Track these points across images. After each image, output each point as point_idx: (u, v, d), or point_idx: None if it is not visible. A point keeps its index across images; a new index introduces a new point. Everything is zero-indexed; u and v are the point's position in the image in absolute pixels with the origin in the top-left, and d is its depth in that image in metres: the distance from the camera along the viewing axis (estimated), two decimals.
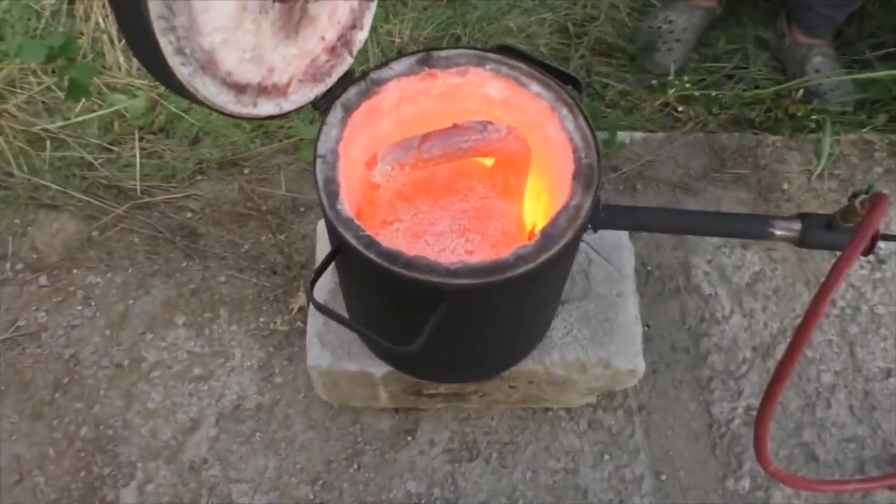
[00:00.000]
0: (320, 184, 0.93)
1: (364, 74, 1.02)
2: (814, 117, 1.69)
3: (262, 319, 1.53)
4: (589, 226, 0.96)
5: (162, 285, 1.55)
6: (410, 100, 1.07)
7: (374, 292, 0.98)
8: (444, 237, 1.06)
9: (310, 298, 0.90)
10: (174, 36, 0.71)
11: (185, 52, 0.73)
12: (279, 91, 0.90)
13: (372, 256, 0.87)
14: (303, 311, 1.54)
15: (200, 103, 0.80)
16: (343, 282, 1.07)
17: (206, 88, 0.79)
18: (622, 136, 1.76)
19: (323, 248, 1.36)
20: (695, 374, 1.48)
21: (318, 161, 0.95)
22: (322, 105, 0.99)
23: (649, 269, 1.58)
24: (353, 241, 0.89)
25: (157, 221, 1.61)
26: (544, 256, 0.89)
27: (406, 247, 1.04)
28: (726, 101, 1.74)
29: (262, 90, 0.87)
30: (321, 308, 0.90)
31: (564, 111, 1.00)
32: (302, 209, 1.68)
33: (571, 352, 1.25)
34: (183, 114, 1.71)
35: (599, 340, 1.26)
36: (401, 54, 1.03)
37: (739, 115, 1.74)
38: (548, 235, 0.90)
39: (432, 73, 1.04)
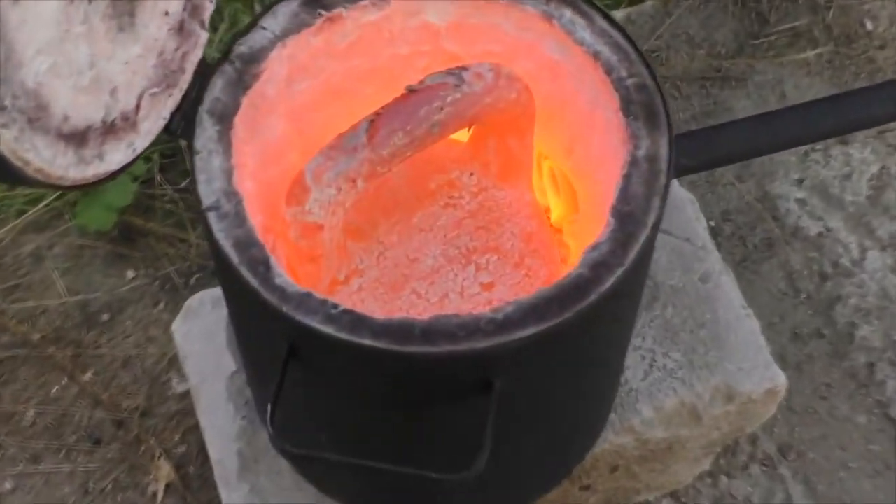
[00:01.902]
0: (231, 255, 0.99)
1: (227, 53, 1.09)
2: None
3: None
4: None
5: None
6: (306, 71, 1.15)
7: (373, 406, 1.05)
8: (440, 275, 1.14)
9: (279, 447, 0.96)
10: None
11: (3, 104, 0.78)
12: (129, 122, 0.96)
13: (366, 342, 0.95)
14: (175, 488, 1.57)
15: (27, 183, 0.85)
16: (302, 411, 1.13)
17: (40, 154, 0.84)
18: None
19: (201, 362, 1.41)
20: (845, 367, 1.64)
21: (212, 217, 1.01)
22: (179, 125, 1.05)
23: (713, 224, 1.73)
24: (325, 329, 0.95)
25: None
26: (633, 250, 1.00)
27: (385, 310, 1.12)
28: None
29: (109, 130, 0.93)
30: (303, 459, 0.96)
31: (567, 14, 1.11)
32: (103, 316, 1.71)
33: (668, 394, 1.37)
34: None
35: (703, 360, 1.39)
36: (274, 1, 1.11)
37: None
38: (626, 216, 1.01)
39: (333, 17, 1.12)
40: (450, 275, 1.14)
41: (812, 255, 1.71)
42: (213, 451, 1.37)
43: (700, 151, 1.14)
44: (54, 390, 1.66)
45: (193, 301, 1.45)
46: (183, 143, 1.46)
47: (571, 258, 1.24)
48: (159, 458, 1.59)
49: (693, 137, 1.17)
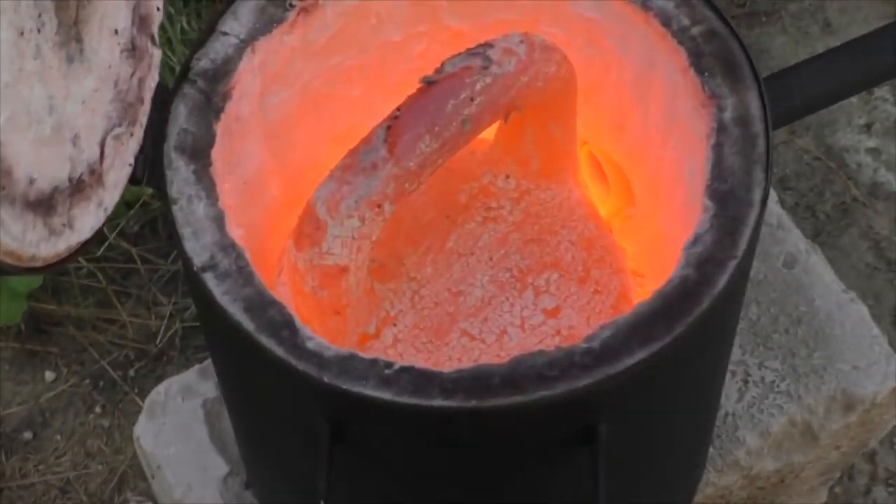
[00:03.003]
0: (243, 322, 0.99)
1: (185, 73, 1.09)
2: None
3: None
4: None
5: None
6: (280, 79, 1.15)
7: (452, 476, 1.05)
8: (493, 307, 1.15)
9: None
10: None
11: None
12: (95, 175, 0.96)
13: (438, 403, 0.95)
14: None
15: None
16: (357, 497, 1.12)
17: (8, 231, 0.84)
18: None
19: (182, 468, 1.40)
20: None
21: (209, 279, 1.01)
22: (144, 171, 1.05)
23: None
24: (383, 396, 0.95)
25: None
26: (744, 237, 1.01)
27: (432, 361, 1.12)
28: None
29: (76, 189, 0.94)
30: None
31: None
32: (25, 435, 1.70)
33: (773, 414, 1.39)
34: None
35: (809, 364, 1.41)
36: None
37: None
38: (726, 195, 1.02)
39: (308, 6, 1.13)
40: (504, 305, 1.15)
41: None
42: None
43: (775, 104, 1.15)
44: None
45: (157, 395, 1.44)
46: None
47: (631, 264, 1.25)
48: None
49: (779, 79, 1.17)
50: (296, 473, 1.15)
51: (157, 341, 1.74)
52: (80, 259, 1.74)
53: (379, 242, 1.11)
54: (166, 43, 1.77)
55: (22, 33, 0.86)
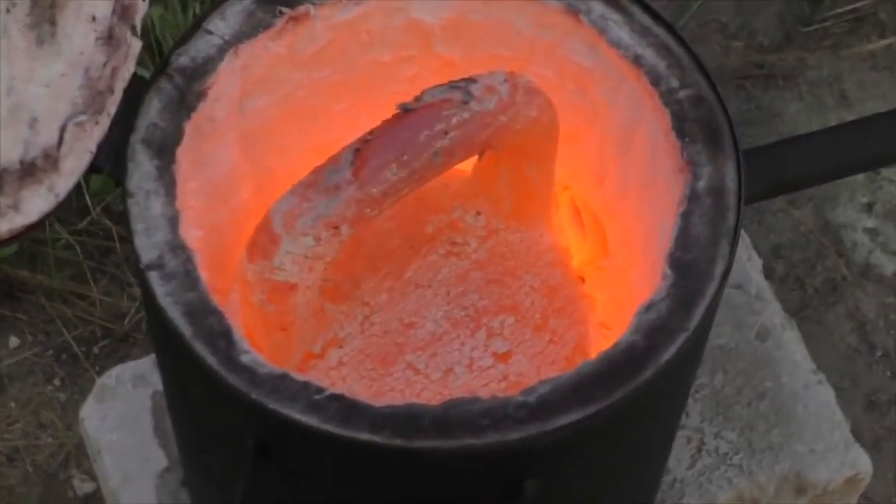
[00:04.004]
0: (181, 326, 0.98)
1: (164, 66, 1.09)
2: None
3: None
4: None
5: None
6: (262, 85, 1.14)
7: None
8: (443, 343, 1.13)
9: None
10: None
11: None
12: (50, 161, 0.95)
13: (363, 437, 0.94)
14: None
15: None
16: None
17: None
18: None
19: (122, 457, 1.39)
20: None
21: (154, 278, 1.00)
22: (107, 161, 1.05)
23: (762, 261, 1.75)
24: (308, 421, 0.94)
25: None
26: (699, 309, 1.00)
27: (373, 389, 1.11)
28: None
29: (27, 172, 0.93)
30: None
31: (598, 7, 1.12)
32: None
33: (722, 486, 1.37)
34: None
35: (766, 441, 1.39)
36: None
37: None
38: (687, 266, 1.01)
39: (298, 15, 1.12)
40: (455, 343, 1.14)
41: (889, 301, 1.72)
42: None
43: (765, 175, 1.14)
44: None
45: (108, 378, 1.44)
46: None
47: (597, 315, 1.24)
48: None
49: (756, 157, 1.17)
50: (221, 482, 1.14)
51: (126, 322, 1.74)
52: (59, 230, 1.74)
53: (337, 263, 1.10)
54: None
55: None
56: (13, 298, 1.74)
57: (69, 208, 1.74)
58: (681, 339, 0.98)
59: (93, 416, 1.42)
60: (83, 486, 1.61)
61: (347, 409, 0.95)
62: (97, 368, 1.68)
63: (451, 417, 0.95)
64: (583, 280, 1.27)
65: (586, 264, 1.28)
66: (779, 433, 1.39)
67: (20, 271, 1.72)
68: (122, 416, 1.41)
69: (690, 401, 1.41)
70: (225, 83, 1.10)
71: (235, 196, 1.17)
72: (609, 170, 1.19)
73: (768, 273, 1.74)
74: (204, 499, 1.29)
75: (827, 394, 1.43)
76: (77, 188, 1.72)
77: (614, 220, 1.22)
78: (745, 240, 1.50)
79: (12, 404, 1.68)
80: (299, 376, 0.96)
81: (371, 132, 1.05)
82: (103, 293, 1.71)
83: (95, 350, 1.71)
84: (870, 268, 1.73)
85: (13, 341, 1.72)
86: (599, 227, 1.25)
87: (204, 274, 1.06)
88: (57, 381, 1.70)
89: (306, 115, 1.20)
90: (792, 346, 1.45)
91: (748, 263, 1.48)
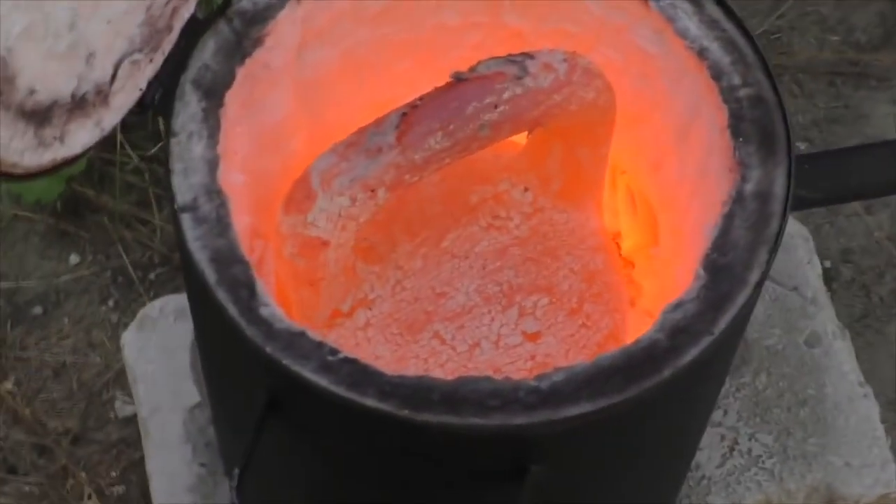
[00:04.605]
0: (206, 272, 0.98)
1: (224, 8, 1.09)
2: None
3: None
4: None
5: None
6: (323, 37, 1.14)
7: (375, 479, 1.05)
8: (472, 316, 1.13)
9: None
10: None
11: None
12: (101, 96, 0.96)
13: (370, 403, 0.94)
14: None
15: None
16: (280, 475, 1.12)
17: None
18: None
19: (155, 387, 1.41)
20: None
21: (186, 220, 1.01)
22: (156, 98, 1.05)
23: (828, 266, 1.71)
24: (318, 381, 0.95)
25: None
26: (727, 315, 0.98)
27: (398, 354, 1.11)
28: None
29: (77, 105, 0.94)
30: None
31: None
32: (35, 310, 1.72)
33: (750, 487, 1.36)
34: None
35: (801, 448, 1.38)
36: None
37: None
38: (721, 269, 1.00)
39: None
40: (485, 318, 1.13)
41: None
42: (160, 502, 1.37)
43: (822, 181, 1.13)
44: None
45: (152, 309, 1.45)
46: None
47: (643, 303, 1.23)
48: (89, 498, 1.60)
49: (817, 162, 1.16)
50: (236, 428, 1.15)
51: None
52: (130, 154, 1.76)
53: (375, 223, 1.10)
54: None
55: None
56: (78, 216, 1.76)
57: (142, 133, 1.75)
58: (704, 343, 0.97)
59: (133, 344, 1.44)
60: (124, 409, 1.63)
61: (359, 373, 0.95)
62: (151, 294, 1.70)
63: (461, 395, 0.95)
64: (632, 265, 1.26)
65: (636, 250, 1.27)
66: (815, 442, 1.37)
67: (88, 190, 1.74)
68: (160, 348, 1.42)
69: (730, 399, 1.40)
70: (284, 31, 1.10)
71: (288, 143, 1.17)
72: (665, 159, 1.17)
73: (834, 276, 1.71)
74: (225, 439, 1.30)
75: (871, 408, 1.40)
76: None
77: (667, 210, 1.21)
78: (808, 242, 1.47)
79: (65, 320, 1.70)
80: (316, 335, 0.96)
81: (420, 98, 1.04)
82: (165, 221, 1.72)
83: (151, 276, 1.72)
84: None
85: (73, 258, 1.74)
86: (651, 215, 1.23)
87: (245, 219, 1.06)
88: (111, 303, 1.72)
89: (367, 70, 1.19)
90: (841, 355, 1.42)
91: (808, 267, 1.46)
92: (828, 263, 1.72)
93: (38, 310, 1.72)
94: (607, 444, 1.02)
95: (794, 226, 1.47)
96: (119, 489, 1.62)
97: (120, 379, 1.66)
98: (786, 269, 1.45)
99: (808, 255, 1.47)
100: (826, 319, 1.43)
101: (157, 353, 1.42)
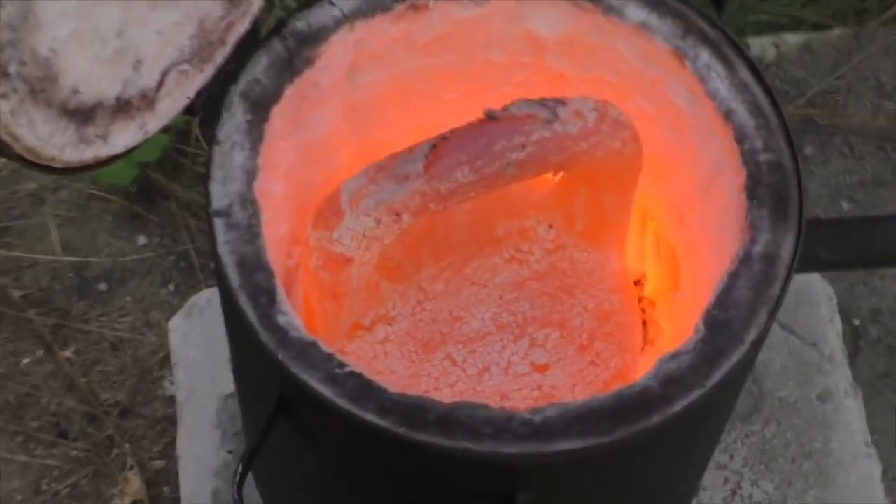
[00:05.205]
0: (231, 275, 1.00)
1: (280, 27, 1.10)
2: None
3: None
4: None
5: None
6: (374, 62, 1.15)
7: (371, 487, 1.05)
8: (485, 342, 1.14)
9: None
10: None
11: (7, 71, 0.79)
12: (146, 101, 0.97)
13: (369, 418, 0.95)
14: None
15: (10, 159, 0.86)
16: (288, 470, 1.14)
17: (35, 130, 0.85)
18: (759, 43, 1.86)
19: (194, 373, 1.43)
20: None
21: (218, 224, 1.02)
22: (203, 105, 1.06)
23: (857, 324, 1.70)
24: (323, 391, 0.95)
25: None
26: (721, 370, 0.98)
27: (411, 371, 1.12)
28: None
29: (121, 108, 0.94)
30: None
31: (704, 56, 1.09)
32: (101, 285, 1.74)
33: None
34: None
35: (800, 500, 1.36)
36: None
37: None
38: (720, 325, 0.99)
39: (418, 5, 1.12)
40: (497, 345, 1.14)
41: None
42: (185, 485, 1.39)
43: (846, 247, 1.12)
44: (25, 362, 1.69)
45: (200, 298, 1.47)
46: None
47: (662, 343, 1.23)
48: (131, 468, 1.62)
49: (840, 227, 1.15)
50: (250, 421, 1.16)
51: None
52: (202, 146, 1.78)
53: (403, 244, 1.11)
54: None
55: None
56: (150, 201, 1.78)
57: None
58: (695, 395, 0.96)
59: (179, 329, 1.46)
60: (171, 388, 1.65)
61: (362, 387, 0.96)
62: (209, 282, 1.72)
63: (456, 418, 0.95)
64: (654, 305, 1.26)
65: (659, 293, 1.27)
66: (815, 495, 1.36)
67: (160, 177, 1.76)
68: (204, 336, 1.44)
69: (737, 444, 1.39)
70: (335, 53, 1.11)
71: (333, 158, 1.18)
72: (690, 210, 1.17)
73: (862, 334, 1.70)
74: (246, 430, 1.31)
75: (873, 468, 1.39)
76: None
77: (688, 259, 1.20)
78: (832, 301, 1.46)
79: (128, 298, 1.72)
80: (326, 347, 0.97)
81: (452, 131, 1.05)
82: None
83: (212, 265, 1.73)
84: None
85: (141, 239, 1.76)
86: (675, 262, 1.23)
87: (284, 226, 1.08)
88: (171, 286, 1.74)
89: (415, 96, 1.20)
90: (851, 413, 1.41)
91: (829, 325, 1.45)
92: (857, 321, 1.70)
93: (103, 286, 1.74)
94: (594, 481, 1.02)
95: (819, 284, 1.46)
96: (159, 463, 1.64)
97: (170, 360, 1.67)
98: (807, 325, 1.43)
99: (831, 314, 1.45)
100: (840, 377, 1.42)
101: (201, 340, 1.44)
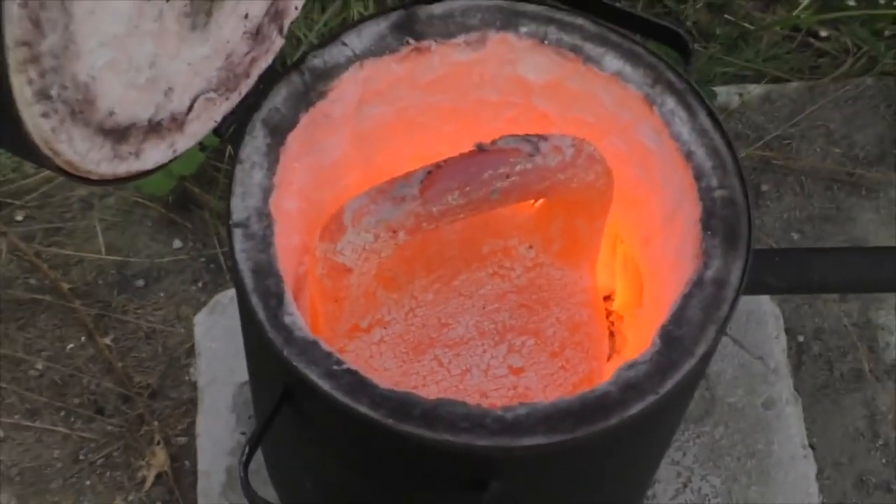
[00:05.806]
0: (246, 279, 1.00)
1: (298, 63, 1.10)
2: None
3: None
4: None
5: None
6: (381, 97, 1.15)
7: (362, 471, 1.05)
8: (468, 347, 1.14)
9: (246, 490, 0.97)
10: (37, 71, 0.76)
11: (49, 94, 0.79)
12: (176, 123, 0.97)
13: (362, 409, 0.95)
14: (165, 479, 1.60)
15: (51, 170, 0.86)
16: (291, 452, 1.14)
17: (74, 146, 0.85)
18: (725, 91, 1.87)
19: (215, 363, 1.43)
20: None
21: (237, 234, 1.02)
22: (229, 129, 1.06)
23: (801, 340, 1.69)
24: (322, 385, 0.95)
25: None
26: (672, 380, 0.98)
27: (402, 369, 1.12)
28: None
29: (153, 129, 0.94)
30: None
31: (670, 103, 1.09)
32: (138, 282, 1.74)
33: None
34: None
35: (744, 494, 1.36)
36: (362, 19, 1.11)
37: None
38: (673, 340, 0.99)
39: (421, 48, 1.12)
40: (478, 349, 1.13)
41: None
42: (202, 461, 1.39)
43: (790, 274, 1.12)
44: (69, 347, 1.69)
45: (224, 297, 1.47)
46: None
47: (627, 352, 1.22)
48: (157, 444, 1.62)
49: (786, 257, 1.15)
50: (259, 407, 1.16)
51: None
52: None
53: (400, 258, 1.10)
54: None
55: None
56: (186, 209, 1.78)
57: None
58: (649, 400, 0.96)
59: (203, 323, 1.45)
60: (195, 375, 1.64)
61: (357, 383, 0.96)
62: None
63: (438, 413, 0.95)
64: (622, 319, 1.25)
65: (626, 308, 1.26)
66: (757, 490, 1.36)
67: (196, 189, 1.76)
68: (225, 330, 1.44)
69: (690, 443, 1.39)
70: (346, 89, 1.11)
71: (342, 180, 1.18)
72: (654, 237, 1.17)
73: (805, 349, 1.69)
74: (256, 416, 1.31)
75: (807, 469, 1.39)
76: None
77: (651, 280, 1.20)
78: (778, 320, 1.46)
79: (161, 293, 1.72)
80: (326, 346, 0.97)
81: (446, 160, 1.05)
82: None
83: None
84: (894, 369, 1.66)
85: (176, 243, 1.76)
86: (639, 281, 1.23)
87: (297, 238, 1.07)
88: (200, 284, 1.74)
89: (417, 128, 1.20)
90: (791, 419, 1.41)
91: (775, 341, 1.44)
92: (801, 338, 1.70)
93: (140, 282, 1.74)
94: (559, 473, 1.02)
95: (768, 305, 1.46)
96: (182, 440, 1.64)
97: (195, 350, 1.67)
98: (755, 341, 1.43)
99: (777, 331, 1.45)
100: (783, 388, 1.42)
101: (222, 333, 1.44)
